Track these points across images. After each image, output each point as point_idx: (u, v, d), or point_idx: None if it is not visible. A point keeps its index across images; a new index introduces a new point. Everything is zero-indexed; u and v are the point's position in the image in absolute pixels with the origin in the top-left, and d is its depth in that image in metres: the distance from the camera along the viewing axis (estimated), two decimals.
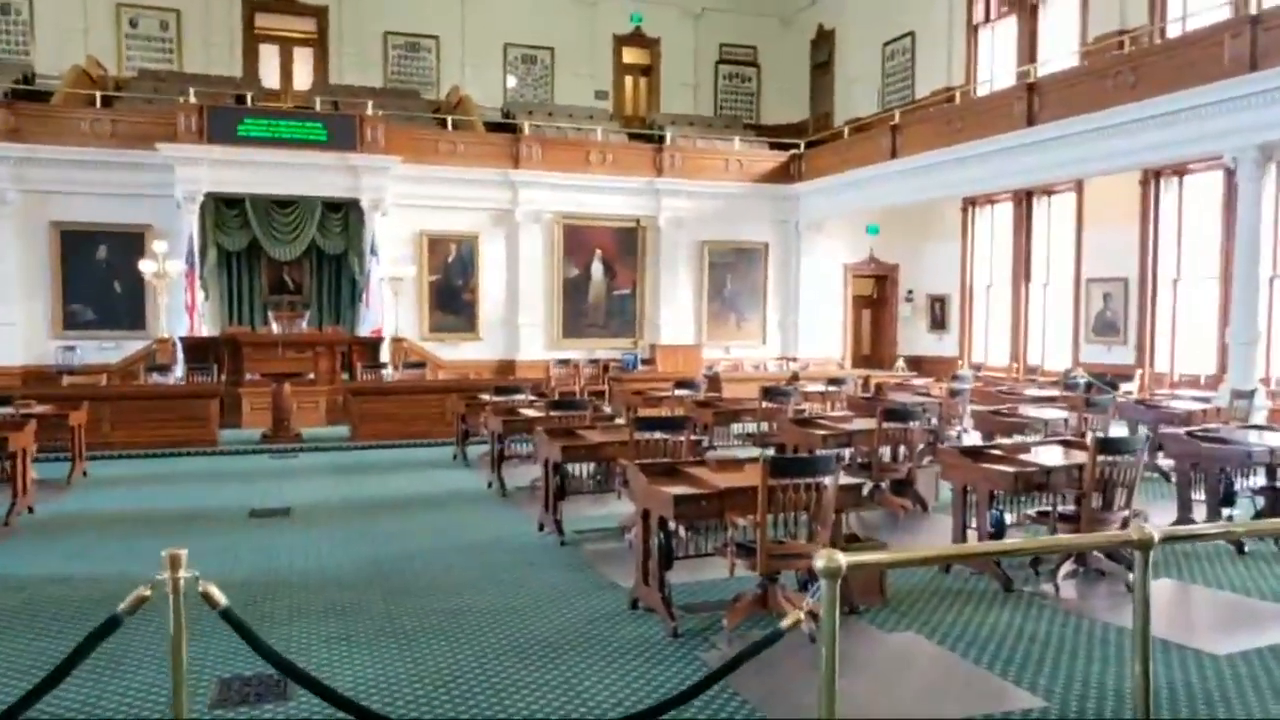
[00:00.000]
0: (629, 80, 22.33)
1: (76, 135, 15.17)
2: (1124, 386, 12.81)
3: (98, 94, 16.12)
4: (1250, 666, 4.10)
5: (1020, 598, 4.99)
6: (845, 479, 4.55)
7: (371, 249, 16.16)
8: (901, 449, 7.49)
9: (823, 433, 7.26)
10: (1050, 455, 5.55)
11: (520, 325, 17.81)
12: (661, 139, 19.01)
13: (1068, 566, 5.10)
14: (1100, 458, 4.99)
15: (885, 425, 7.04)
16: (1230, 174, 12.33)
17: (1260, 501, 6.23)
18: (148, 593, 2.72)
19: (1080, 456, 5.42)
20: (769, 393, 9.41)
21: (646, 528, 4.74)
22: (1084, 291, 15.31)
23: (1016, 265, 17.06)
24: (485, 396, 10.61)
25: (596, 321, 18.53)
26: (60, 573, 5.80)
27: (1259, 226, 10.23)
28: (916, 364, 18.63)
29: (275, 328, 15.30)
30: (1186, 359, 13.87)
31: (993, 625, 4.59)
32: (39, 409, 9.39)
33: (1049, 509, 5.25)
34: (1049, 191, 16.22)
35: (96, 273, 15.58)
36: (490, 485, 8.76)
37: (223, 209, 16.24)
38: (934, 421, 8.32)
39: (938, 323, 19.33)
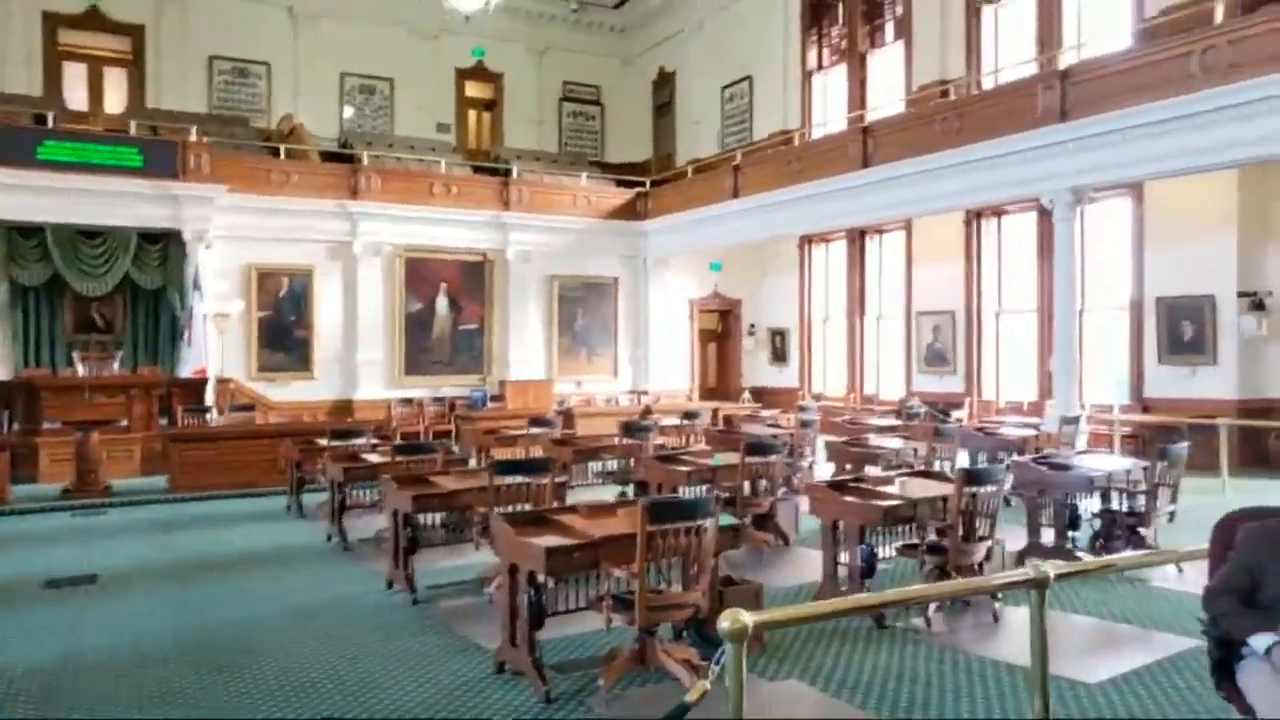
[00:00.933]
0: (472, 114, 21.96)
1: None
2: (954, 414, 13.45)
3: None
4: (1122, 694, 4.18)
5: (894, 634, 4.95)
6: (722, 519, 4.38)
7: (194, 283, 15.00)
8: (762, 483, 7.45)
9: (686, 469, 7.13)
10: (912, 487, 5.60)
11: (359, 363, 16.95)
12: (508, 173, 18.72)
13: (937, 600, 5.12)
14: (964, 489, 5.05)
15: (748, 460, 6.96)
16: (1043, 215, 13.28)
17: (1097, 524, 6.53)
18: None
19: (941, 488, 5.49)
20: (629, 429, 9.23)
21: (514, 584, 4.40)
22: (915, 324, 16.07)
23: (851, 300, 17.75)
24: (322, 441, 9.90)
25: (441, 358, 17.89)
26: None
27: (1074, 262, 11.02)
28: (759, 395, 19.03)
29: (81, 370, 13.91)
30: (1010, 387, 14.75)
31: (873, 666, 4.51)
32: None
33: (916, 541, 5.28)
34: (880, 230, 17.00)
35: None
36: (330, 538, 8.08)
37: (17, 239, 14.71)
38: (790, 454, 8.35)
39: (778, 355, 19.85)
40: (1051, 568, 2.70)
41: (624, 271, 19.53)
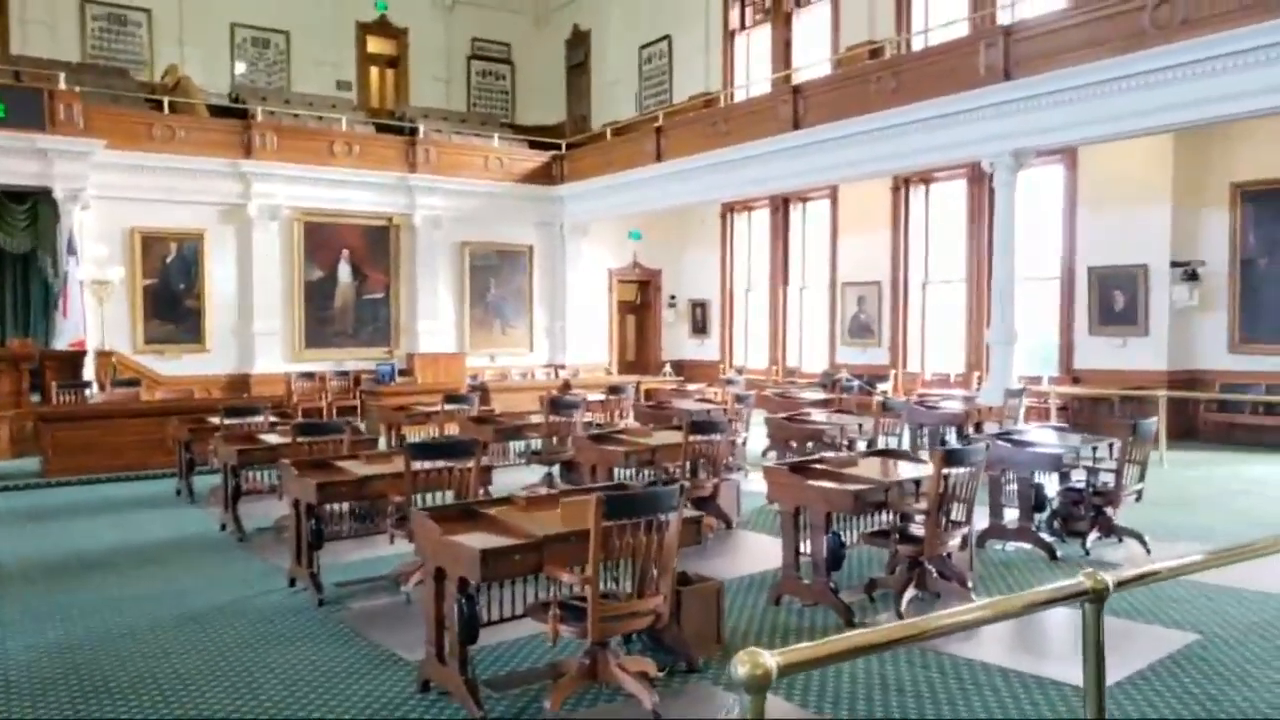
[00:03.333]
0: (375, 71, 20.72)
1: None
2: (880, 386, 13.23)
3: None
4: (1134, 699, 3.76)
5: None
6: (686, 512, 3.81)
7: (70, 247, 13.64)
8: (701, 463, 6.92)
9: (623, 449, 6.53)
10: (877, 468, 5.14)
11: (255, 334, 15.81)
12: (414, 132, 17.66)
13: (910, 593, 4.68)
14: (942, 470, 4.59)
15: (690, 439, 6.42)
16: (974, 182, 13.10)
17: (1057, 503, 6.23)
18: None
19: (907, 469, 5.06)
20: (555, 404, 8.57)
21: (440, 591, 3.75)
22: (839, 295, 15.81)
23: (774, 270, 17.40)
24: (215, 419, 8.97)
25: (345, 329, 16.86)
26: None
27: (1013, 230, 10.77)
28: (679, 368, 18.63)
29: None
30: (935, 359, 14.60)
31: (851, 673, 4.02)
32: None
33: (884, 528, 4.83)
34: (805, 198, 16.66)
35: None
36: (224, 528, 7.26)
37: None
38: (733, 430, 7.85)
39: (699, 327, 19.45)
40: (1110, 576, 2.21)
41: (539, 239, 18.75)
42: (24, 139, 13.35)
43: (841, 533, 4.79)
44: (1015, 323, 10.65)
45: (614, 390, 10.93)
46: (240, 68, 18.73)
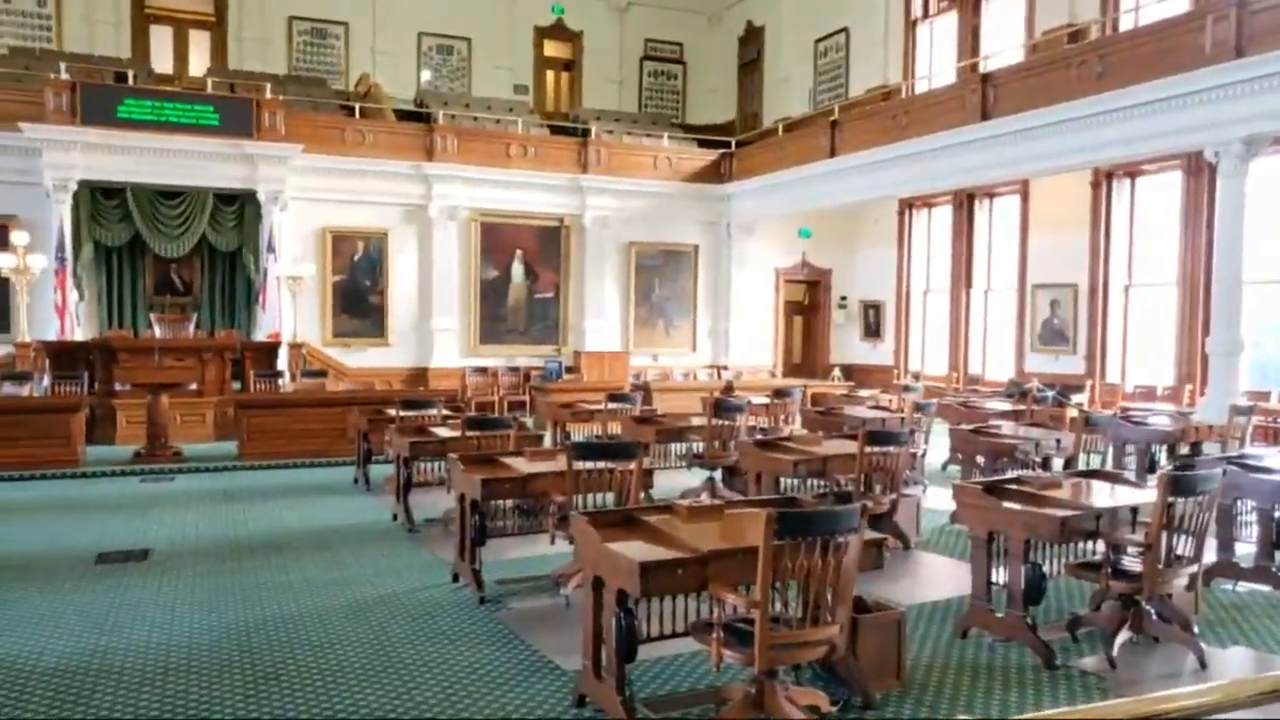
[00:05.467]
0: (550, 75, 21.14)
1: None
2: (1074, 398, 12.17)
3: None
4: None
5: (1069, 677, 3.96)
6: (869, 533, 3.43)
7: (269, 245, 14.62)
8: (877, 476, 6.44)
9: (791, 458, 6.16)
10: (1085, 492, 4.56)
11: (434, 330, 16.40)
12: (586, 134, 17.84)
13: (1124, 635, 4.10)
14: (1167, 498, 3.98)
15: (866, 450, 5.97)
16: (1190, 174, 11.83)
17: None
18: None
19: (1121, 493, 4.45)
20: (719, 407, 8.29)
21: (598, 602, 3.56)
22: (1029, 298, 14.69)
23: (956, 271, 16.40)
24: (392, 410, 9.25)
25: (516, 327, 17.24)
26: None
27: (1242, 227, 9.55)
28: (848, 373, 17.92)
29: (157, 331, 13.70)
30: (1139, 369, 13.29)
31: None
32: None
33: (1094, 561, 4.25)
34: (991, 194, 15.61)
35: None
36: (395, 518, 7.44)
37: (100, 199, 14.54)
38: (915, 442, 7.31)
39: (871, 330, 18.64)
40: None
41: (705, 238, 18.53)
42: (234, 145, 14.38)
43: (1041, 562, 4.26)
44: (1241, 331, 9.44)
45: (779, 394, 10.52)
46: (426, 74, 19.53)
